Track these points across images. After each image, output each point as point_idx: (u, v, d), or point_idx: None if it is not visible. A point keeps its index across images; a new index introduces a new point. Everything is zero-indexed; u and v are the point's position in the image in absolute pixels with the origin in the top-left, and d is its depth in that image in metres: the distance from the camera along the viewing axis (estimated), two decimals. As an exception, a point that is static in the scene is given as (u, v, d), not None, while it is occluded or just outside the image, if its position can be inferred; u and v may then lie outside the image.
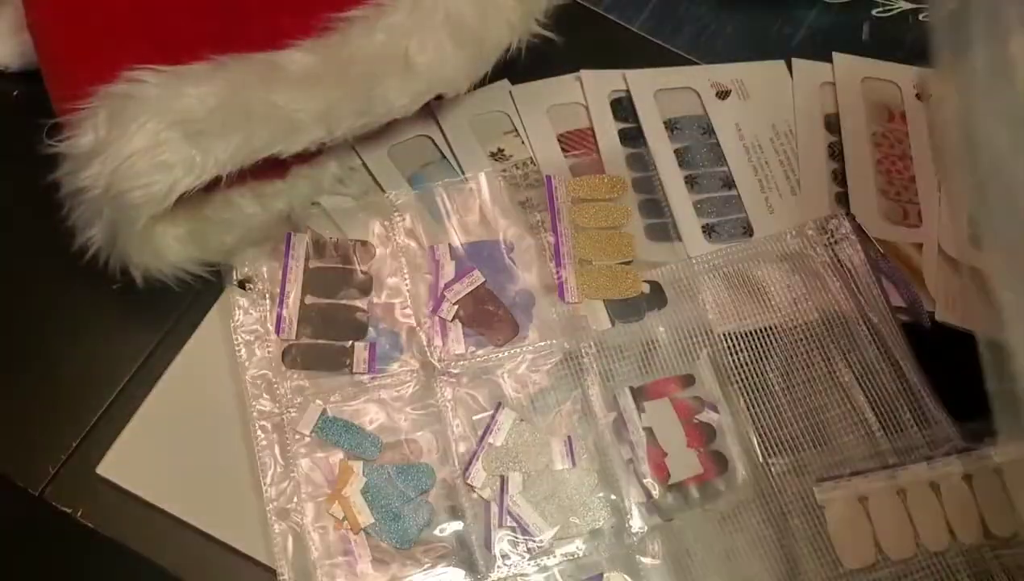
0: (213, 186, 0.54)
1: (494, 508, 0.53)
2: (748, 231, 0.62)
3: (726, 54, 0.69)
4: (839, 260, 0.60)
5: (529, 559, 0.52)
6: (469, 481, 0.54)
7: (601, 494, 0.54)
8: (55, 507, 0.53)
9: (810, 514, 0.53)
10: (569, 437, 0.55)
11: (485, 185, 0.62)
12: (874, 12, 0.71)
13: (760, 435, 0.55)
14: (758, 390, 0.56)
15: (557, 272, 0.59)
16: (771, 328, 0.58)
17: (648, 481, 0.53)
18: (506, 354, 0.57)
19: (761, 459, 0.54)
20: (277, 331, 0.57)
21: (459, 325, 0.57)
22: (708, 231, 0.62)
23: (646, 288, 0.59)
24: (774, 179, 0.64)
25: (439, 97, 0.59)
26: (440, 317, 0.57)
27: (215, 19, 0.55)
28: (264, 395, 0.55)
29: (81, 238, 0.54)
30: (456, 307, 0.58)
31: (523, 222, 0.61)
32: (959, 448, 0.54)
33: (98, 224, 0.53)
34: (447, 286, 0.58)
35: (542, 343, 0.57)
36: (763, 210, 0.62)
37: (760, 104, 0.66)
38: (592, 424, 0.55)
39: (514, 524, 0.53)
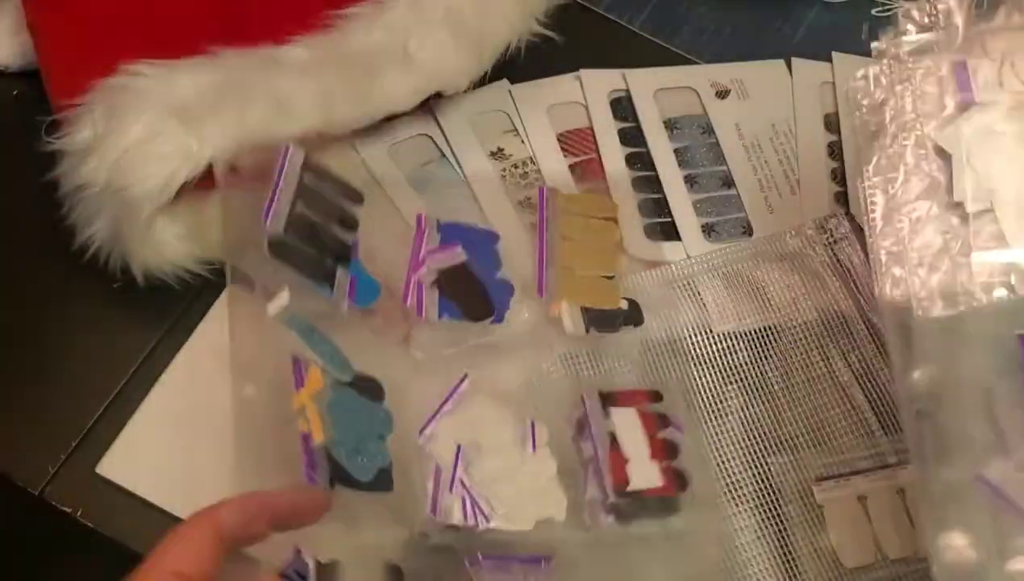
0: (214, 184, 0.54)
1: (445, 474, 0.51)
2: (747, 230, 0.62)
3: (726, 54, 0.69)
4: (838, 260, 0.60)
5: (475, 532, 0.50)
6: (423, 441, 0.52)
7: (558, 484, 0.52)
8: (55, 507, 0.53)
9: (809, 514, 0.53)
10: (532, 422, 0.53)
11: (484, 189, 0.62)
12: (874, 12, 0.71)
13: (756, 437, 0.55)
14: (757, 390, 0.56)
15: (538, 271, 0.58)
16: (770, 328, 0.58)
17: (607, 482, 0.51)
18: (479, 330, 0.56)
19: (721, 487, 0.54)
20: (265, 218, 0.52)
21: (436, 291, 0.56)
22: (708, 230, 0.62)
23: (624, 305, 0.58)
24: (774, 179, 0.64)
25: (439, 95, 0.59)
26: (418, 280, 0.56)
27: (214, 18, 0.55)
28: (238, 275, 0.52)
29: (82, 236, 0.54)
30: (435, 274, 0.56)
31: (520, 222, 0.61)
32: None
33: (99, 221, 0.53)
34: (430, 252, 0.57)
35: (515, 331, 0.56)
36: (763, 209, 0.62)
37: (760, 104, 0.66)
38: (555, 416, 0.54)
39: (463, 493, 0.51)
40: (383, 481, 0.50)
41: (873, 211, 0.45)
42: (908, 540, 0.52)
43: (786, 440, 0.55)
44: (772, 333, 0.58)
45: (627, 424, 0.54)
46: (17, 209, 0.60)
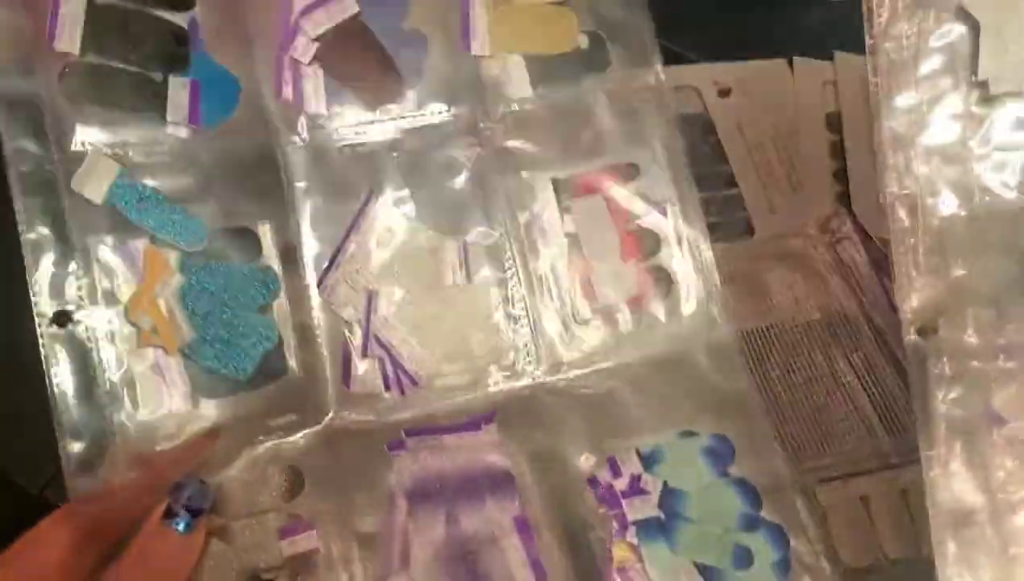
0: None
1: (356, 332, 0.41)
2: (749, 230, 0.62)
3: (727, 53, 0.69)
4: (841, 259, 0.60)
5: (399, 399, 0.41)
6: (325, 295, 0.41)
7: (503, 317, 0.42)
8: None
9: (812, 514, 0.53)
10: (465, 242, 0.42)
11: None
12: None
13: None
14: (759, 390, 0.56)
15: (463, 9, 0.43)
16: (772, 327, 0.58)
17: (567, 303, 0.42)
18: (386, 120, 0.42)
19: (719, 283, 0.43)
20: (50, 38, 0.38)
21: (320, 73, 0.42)
22: (709, 230, 0.61)
23: (583, 41, 0.45)
24: (775, 178, 0.64)
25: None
26: (293, 58, 0.41)
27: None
28: (26, 135, 0.39)
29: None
30: (317, 46, 0.41)
31: None
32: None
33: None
34: (304, 12, 0.41)
35: (436, 108, 0.43)
36: (764, 209, 0.62)
37: (762, 103, 0.66)
38: (498, 225, 0.43)
39: (382, 354, 0.41)
40: (271, 368, 0.40)
41: (879, 84, 0.37)
42: (911, 541, 0.52)
43: (788, 440, 0.55)
44: (774, 333, 0.58)
45: (592, 219, 0.43)
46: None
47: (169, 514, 0.36)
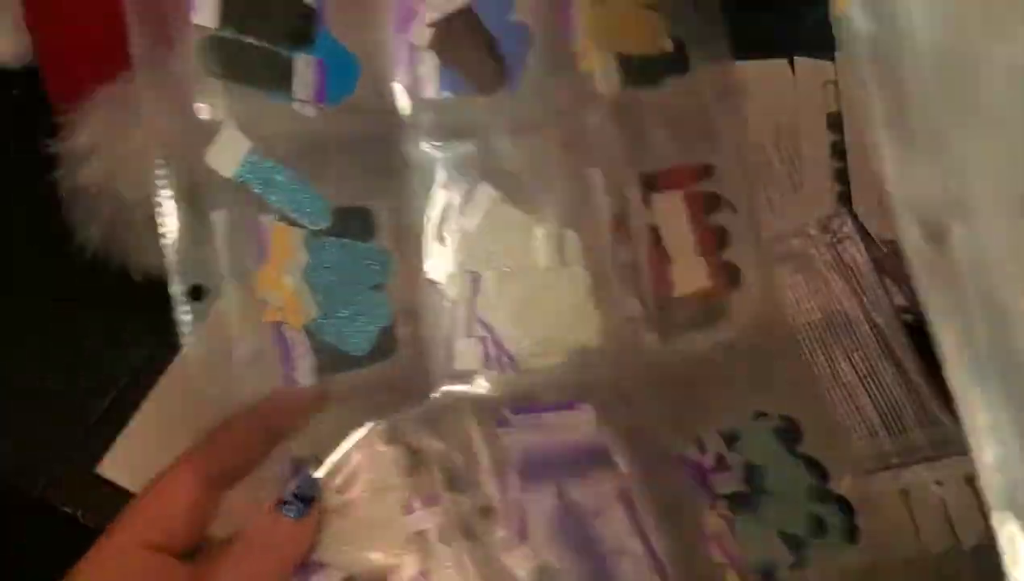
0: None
1: (461, 312, 0.42)
2: (750, 230, 0.62)
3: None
4: (842, 259, 0.60)
5: (498, 376, 0.42)
6: (431, 276, 0.42)
7: (594, 302, 0.43)
8: (55, 508, 0.53)
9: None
10: (561, 230, 0.43)
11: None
12: None
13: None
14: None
15: (563, 5, 0.44)
16: (773, 328, 0.58)
17: (646, 291, 0.44)
18: (493, 107, 0.43)
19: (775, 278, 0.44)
20: (189, 10, 0.39)
21: (434, 57, 0.42)
22: (710, 230, 0.62)
23: (668, 45, 0.46)
24: (776, 178, 0.63)
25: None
26: (410, 41, 0.41)
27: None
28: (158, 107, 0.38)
29: (80, 237, 0.54)
30: (433, 31, 0.42)
31: None
32: (962, 449, 0.54)
33: (96, 223, 0.53)
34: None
35: (536, 98, 0.44)
36: (765, 209, 0.62)
37: (762, 103, 0.66)
38: (590, 214, 0.44)
39: (485, 333, 0.42)
40: (384, 346, 0.40)
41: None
42: (911, 541, 0.52)
43: (789, 441, 0.55)
44: (775, 333, 0.58)
45: (672, 213, 0.44)
46: (16, 209, 0.60)
47: (280, 502, 0.36)
